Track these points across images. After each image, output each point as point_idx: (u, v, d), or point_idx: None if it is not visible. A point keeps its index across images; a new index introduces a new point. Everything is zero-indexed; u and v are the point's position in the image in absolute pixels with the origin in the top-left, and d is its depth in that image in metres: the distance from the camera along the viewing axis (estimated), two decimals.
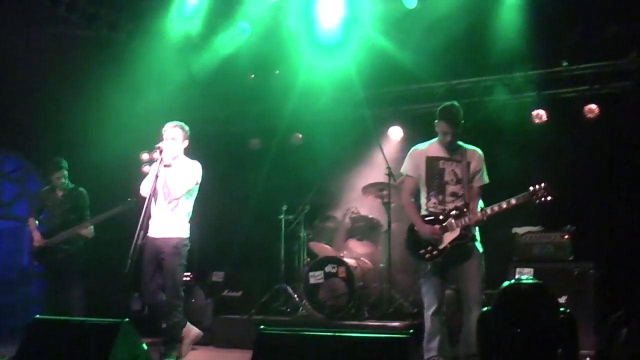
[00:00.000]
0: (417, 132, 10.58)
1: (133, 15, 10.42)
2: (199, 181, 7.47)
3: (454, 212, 6.39)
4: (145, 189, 7.16)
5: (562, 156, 9.39)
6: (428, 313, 6.45)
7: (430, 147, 6.65)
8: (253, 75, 11.71)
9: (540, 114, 9.86)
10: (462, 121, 6.51)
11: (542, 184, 6.10)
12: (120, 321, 5.12)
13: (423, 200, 6.67)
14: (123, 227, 8.32)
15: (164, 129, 7.39)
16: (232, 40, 10.68)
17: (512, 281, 4.75)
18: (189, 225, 7.48)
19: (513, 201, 6.19)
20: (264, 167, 11.42)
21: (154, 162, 7.17)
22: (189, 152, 7.64)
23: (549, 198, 6.07)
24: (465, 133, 6.73)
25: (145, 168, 7.37)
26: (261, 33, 10.43)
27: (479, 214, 6.30)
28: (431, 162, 6.58)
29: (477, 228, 6.47)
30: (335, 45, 10.14)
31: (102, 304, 9.38)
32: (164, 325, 7.39)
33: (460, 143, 6.60)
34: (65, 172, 9.08)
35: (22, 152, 11.71)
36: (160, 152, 7.08)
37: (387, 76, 10.66)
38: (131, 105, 10.17)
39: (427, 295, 6.54)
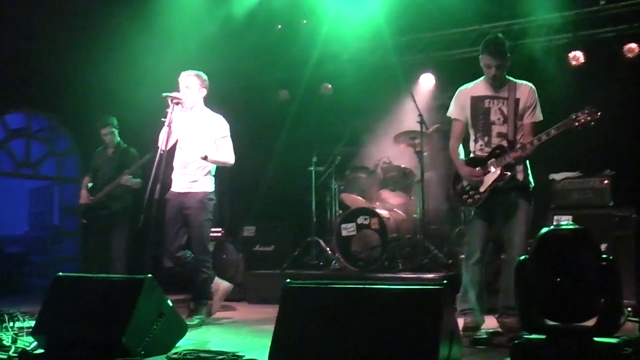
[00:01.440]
0: (449, 79, 10.35)
1: None
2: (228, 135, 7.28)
3: (497, 152, 6.04)
4: (160, 142, 6.85)
5: (601, 99, 9.08)
6: (468, 262, 6.16)
7: (476, 86, 6.25)
8: (280, 26, 11.48)
9: (577, 56, 9.56)
10: (508, 54, 6.07)
11: (585, 109, 5.66)
12: (143, 277, 5.00)
13: (471, 144, 6.31)
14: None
15: (179, 78, 7.18)
16: None
17: (551, 227, 4.50)
18: (214, 178, 7.30)
19: (553, 131, 5.73)
20: (293, 118, 11.27)
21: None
22: (218, 105, 7.46)
23: (590, 120, 5.58)
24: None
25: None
26: None
27: (518, 151, 5.90)
28: (476, 101, 6.18)
29: (530, 174, 6.14)
30: None
31: (135, 261, 9.32)
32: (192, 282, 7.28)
33: (510, 78, 6.15)
34: (114, 130, 8.98)
35: (50, 111, 11.65)
36: (171, 100, 6.80)
37: (417, 22, 10.39)
38: (159, 59, 10.01)
39: (470, 243, 6.27)
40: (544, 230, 4.45)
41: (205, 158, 6.93)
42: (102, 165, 9.01)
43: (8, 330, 5.92)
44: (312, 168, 9.91)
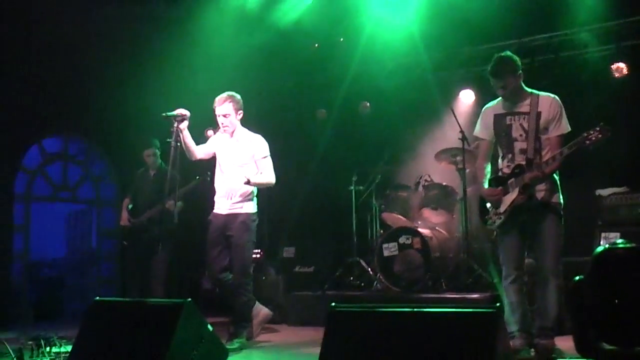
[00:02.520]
0: (490, 94, 10.15)
1: None
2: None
3: (516, 171, 5.89)
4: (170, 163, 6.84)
5: None
6: (505, 283, 6.00)
7: (498, 104, 6.12)
8: (317, 45, 11.42)
9: (620, 67, 9.33)
10: (515, 70, 5.89)
11: (597, 127, 5.46)
12: (182, 301, 4.87)
13: (499, 161, 6.18)
14: (197, 205, 8.35)
15: (214, 105, 7.11)
16: (294, 8, 10.41)
17: (607, 246, 4.31)
18: (256, 199, 7.23)
19: (566, 150, 5.59)
20: (332, 138, 11.18)
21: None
22: (256, 125, 7.37)
23: (601, 137, 5.40)
24: (542, 91, 6.19)
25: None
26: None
27: (534, 171, 5.73)
28: (498, 119, 6.06)
29: (559, 189, 5.95)
30: (400, 7, 9.82)
31: (174, 283, 9.25)
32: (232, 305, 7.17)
33: (532, 91, 5.99)
34: (157, 151, 8.89)
35: (86, 135, 11.65)
36: (175, 119, 6.74)
37: (455, 37, 10.23)
38: (196, 81, 9.99)
39: (503, 263, 6.08)
40: (600, 249, 4.27)
41: (248, 182, 6.85)
42: (143, 187, 8.95)
43: (45, 356, 5.89)
44: (353, 187, 9.82)
